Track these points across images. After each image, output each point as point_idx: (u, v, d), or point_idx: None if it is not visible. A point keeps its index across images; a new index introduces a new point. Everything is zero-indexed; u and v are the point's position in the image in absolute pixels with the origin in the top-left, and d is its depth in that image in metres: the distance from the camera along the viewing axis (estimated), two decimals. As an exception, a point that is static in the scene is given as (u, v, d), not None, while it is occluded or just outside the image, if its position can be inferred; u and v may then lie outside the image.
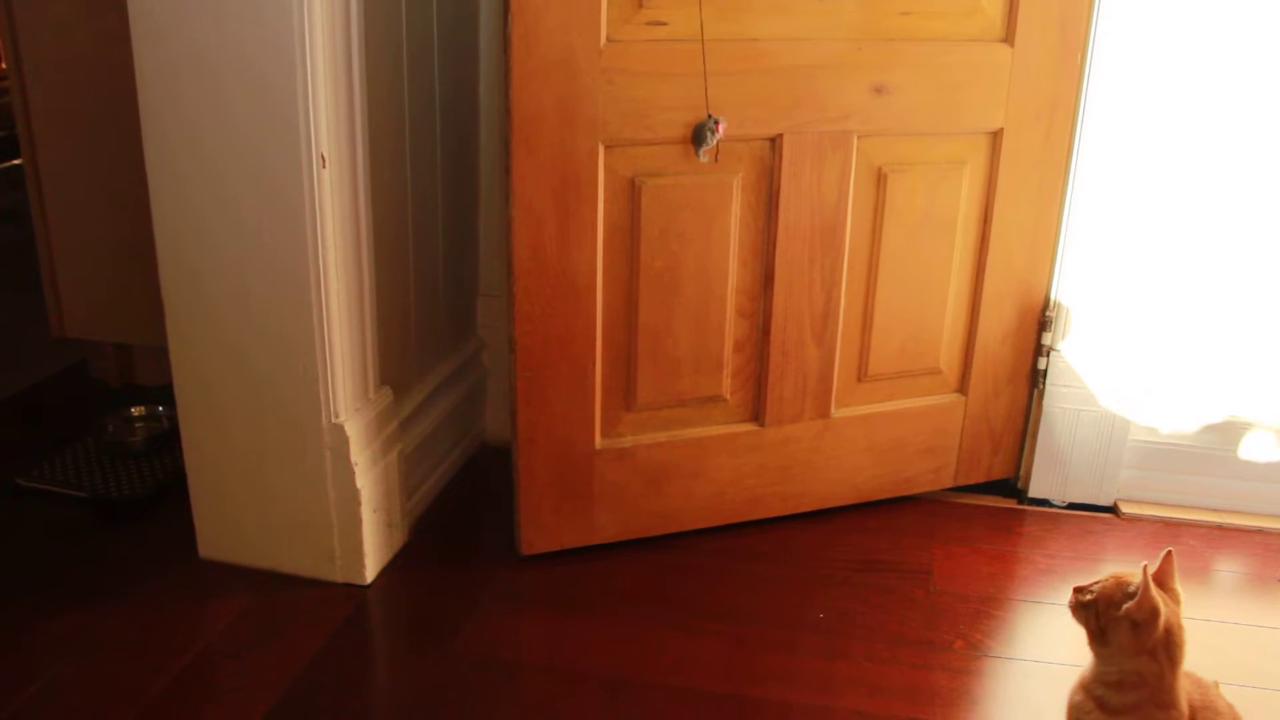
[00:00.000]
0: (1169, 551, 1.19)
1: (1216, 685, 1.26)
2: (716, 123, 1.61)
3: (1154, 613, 1.12)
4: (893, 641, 1.63)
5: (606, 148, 1.62)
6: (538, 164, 1.59)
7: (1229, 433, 1.97)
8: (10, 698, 1.46)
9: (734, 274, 1.76)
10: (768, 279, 1.78)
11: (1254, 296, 1.90)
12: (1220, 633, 1.68)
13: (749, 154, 1.71)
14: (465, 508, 2.02)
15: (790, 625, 1.67)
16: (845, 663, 1.58)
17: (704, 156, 1.64)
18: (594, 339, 1.72)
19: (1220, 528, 1.98)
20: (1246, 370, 1.94)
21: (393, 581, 1.77)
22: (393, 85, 1.72)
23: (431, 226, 1.95)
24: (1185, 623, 1.16)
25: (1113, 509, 2.03)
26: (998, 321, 1.95)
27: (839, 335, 1.86)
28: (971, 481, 2.07)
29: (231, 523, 1.75)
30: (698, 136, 1.63)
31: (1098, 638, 1.19)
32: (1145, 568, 1.13)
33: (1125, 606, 1.14)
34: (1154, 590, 1.12)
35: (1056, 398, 1.99)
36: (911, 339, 1.92)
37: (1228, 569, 1.87)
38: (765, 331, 1.81)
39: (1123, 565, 1.23)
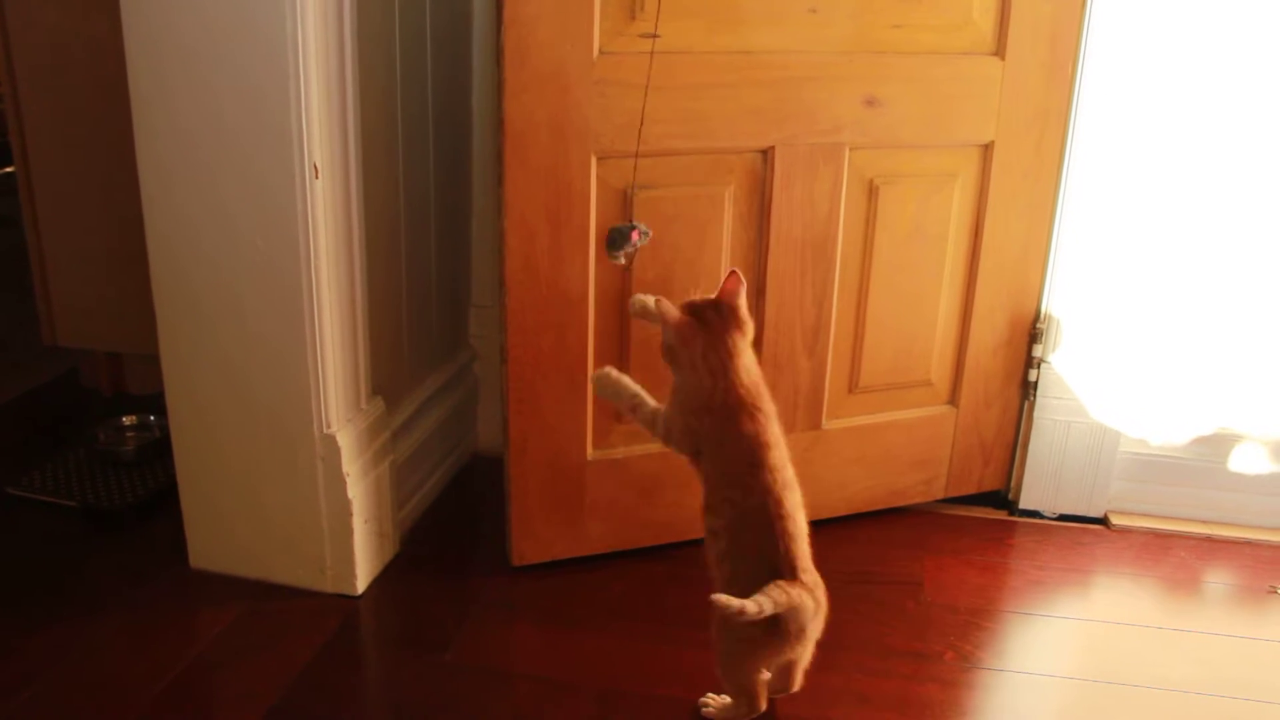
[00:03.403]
0: (733, 271, 1.37)
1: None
2: (634, 229, 1.58)
3: (679, 326, 1.35)
4: (883, 653, 1.63)
5: (599, 159, 1.62)
6: (530, 175, 1.60)
7: (1219, 445, 1.98)
8: (1, 706, 1.46)
9: (726, 285, 1.77)
10: (759, 291, 1.79)
11: (1245, 308, 1.91)
12: (1211, 645, 1.69)
13: (741, 166, 1.71)
14: (457, 518, 2.02)
15: (781, 636, 1.67)
16: (836, 674, 1.57)
17: (621, 259, 1.61)
18: (586, 350, 1.72)
19: (1210, 539, 1.98)
20: (1237, 382, 1.94)
21: (384, 592, 1.77)
22: (386, 95, 1.73)
23: (424, 237, 1.95)
24: (743, 342, 1.40)
25: (1103, 520, 2.04)
26: (989, 333, 1.95)
27: (830, 347, 1.86)
28: (962, 493, 2.08)
29: (223, 533, 1.75)
30: (611, 241, 1.59)
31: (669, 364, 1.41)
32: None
33: (665, 335, 1.37)
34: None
35: (1047, 409, 1.99)
36: (903, 351, 1.93)
37: (1218, 580, 1.87)
38: (756, 343, 1.81)
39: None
